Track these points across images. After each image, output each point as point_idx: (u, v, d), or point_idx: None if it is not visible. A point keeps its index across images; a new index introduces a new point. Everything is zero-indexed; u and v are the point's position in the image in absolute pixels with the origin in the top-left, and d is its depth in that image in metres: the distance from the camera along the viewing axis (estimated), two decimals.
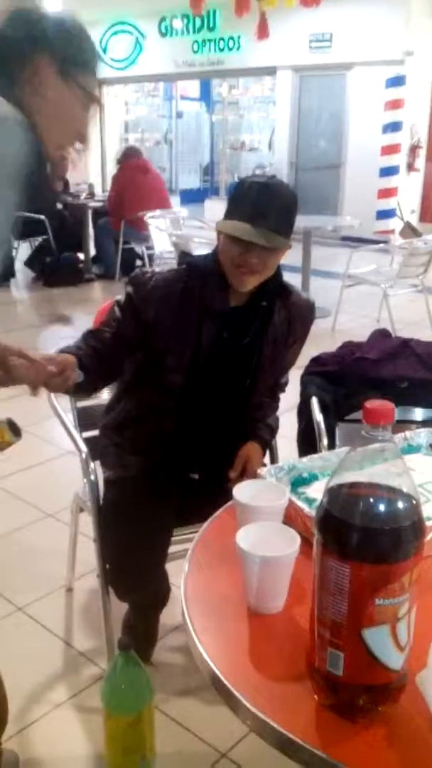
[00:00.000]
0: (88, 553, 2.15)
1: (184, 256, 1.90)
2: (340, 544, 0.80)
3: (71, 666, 2.16)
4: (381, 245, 6.66)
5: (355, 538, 0.79)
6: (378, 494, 0.81)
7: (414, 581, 0.82)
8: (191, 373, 1.78)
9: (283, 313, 1.85)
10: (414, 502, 0.81)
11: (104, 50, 12.97)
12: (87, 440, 2.08)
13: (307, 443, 2.20)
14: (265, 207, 1.65)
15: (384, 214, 9.94)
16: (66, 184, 8.33)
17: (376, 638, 0.81)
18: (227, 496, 1.28)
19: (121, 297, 1.83)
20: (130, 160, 7.27)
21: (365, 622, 0.80)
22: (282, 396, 2.09)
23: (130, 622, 2.02)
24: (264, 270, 1.72)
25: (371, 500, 0.81)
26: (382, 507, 0.80)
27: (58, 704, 2.00)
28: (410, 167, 10.23)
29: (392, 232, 9.72)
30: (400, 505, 0.81)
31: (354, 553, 0.79)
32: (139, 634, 1.99)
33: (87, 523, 2.14)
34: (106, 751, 1.74)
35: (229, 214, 1.69)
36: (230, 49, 11.45)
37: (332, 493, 0.83)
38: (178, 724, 1.91)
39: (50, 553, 2.65)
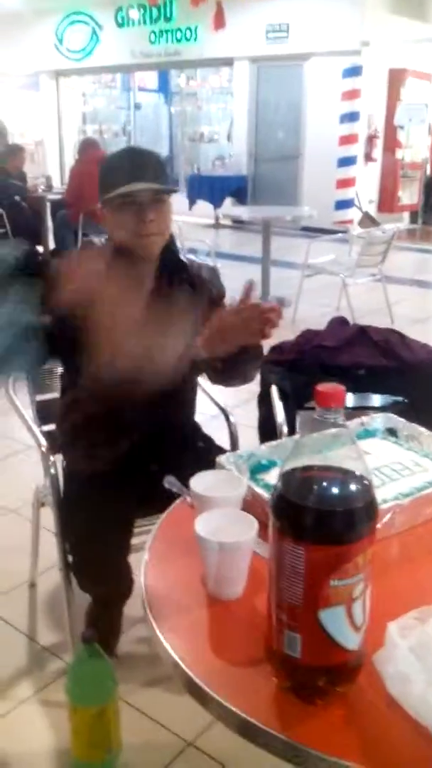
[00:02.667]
0: (51, 548, 2.13)
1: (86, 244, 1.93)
2: (294, 526, 0.80)
3: (36, 661, 2.14)
4: (340, 235, 6.70)
5: (308, 520, 0.79)
6: (331, 476, 0.82)
7: (368, 562, 0.83)
8: None
9: (184, 285, 1.85)
10: (366, 483, 0.82)
11: (60, 41, 12.82)
12: (47, 434, 2.06)
13: (268, 432, 2.21)
14: (139, 164, 1.73)
15: (342, 205, 10.03)
16: (23, 176, 8.23)
17: (332, 619, 0.82)
18: (187, 485, 1.29)
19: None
20: (89, 152, 7.22)
21: (321, 603, 0.81)
22: (242, 387, 2.07)
23: (93, 615, 2.01)
24: (164, 225, 1.75)
25: (324, 483, 0.82)
26: (334, 489, 0.81)
27: (23, 699, 1.98)
28: (368, 157, 10.33)
29: (351, 222, 9.81)
30: (353, 486, 0.82)
31: (308, 534, 0.79)
32: (103, 627, 1.98)
33: (49, 517, 2.13)
34: (72, 744, 1.74)
35: (109, 187, 1.72)
36: (187, 40, 11.40)
37: (286, 476, 0.83)
38: (143, 714, 1.91)
39: (12, 548, 2.63)
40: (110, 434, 1.86)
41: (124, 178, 1.69)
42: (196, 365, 1.78)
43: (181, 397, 1.97)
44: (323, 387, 0.79)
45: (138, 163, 1.74)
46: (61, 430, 2.01)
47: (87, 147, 7.45)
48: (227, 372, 1.81)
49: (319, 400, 0.80)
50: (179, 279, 1.84)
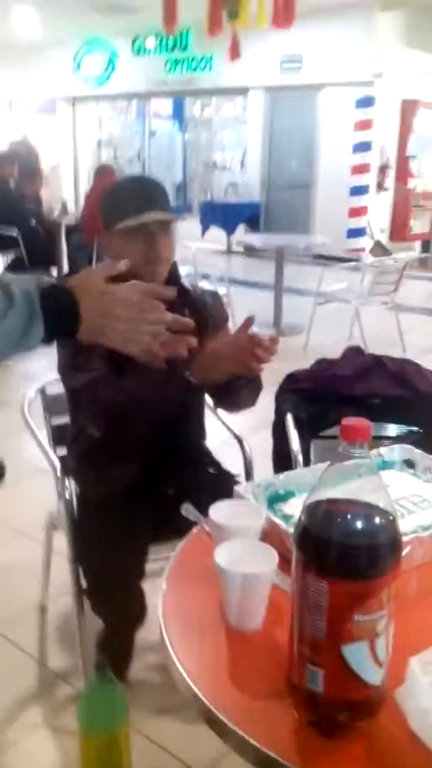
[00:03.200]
0: (63, 572, 2.13)
1: None
2: (319, 560, 0.81)
3: (46, 686, 2.13)
4: (352, 263, 6.73)
5: (332, 554, 0.80)
6: (355, 511, 0.82)
7: (392, 597, 0.83)
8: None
9: (185, 310, 1.87)
10: (391, 518, 0.83)
11: (78, 68, 13.03)
12: (61, 458, 2.07)
13: (282, 460, 2.21)
14: (149, 194, 1.79)
15: (354, 233, 10.08)
16: (39, 200, 8.32)
17: (355, 654, 0.82)
18: (202, 511, 1.29)
19: None
20: (103, 177, 7.33)
21: (344, 638, 0.81)
22: (256, 413, 2.09)
23: (105, 640, 2.01)
24: (171, 252, 1.83)
25: (349, 517, 0.82)
26: (358, 523, 0.82)
27: (33, 725, 1.97)
28: (380, 186, 10.39)
29: (363, 250, 9.86)
30: (377, 521, 0.82)
31: (332, 569, 0.80)
32: (115, 653, 1.97)
33: (61, 541, 2.13)
34: None
35: (117, 216, 1.76)
36: (202, 69, 11.57)
37: (310, 510, 0.84)
38: (154, 744, 1.90)
39: (24, 572, 2.63)
40: (118, 458, 1.87)
41: (135, 208, 1.74)
42: (195, 386, 1.82)
43: (187, 419, 1.99)
44: (349, 421, 0.80)
45: (148, 193, 1.80)
46: (71, 453, 2.02)
47: (102, 172, 7.58)
48: (221, 397, 1.90)
49: (344, 434, 0.80)
50: (181, 303, 1.86)
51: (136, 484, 1.87)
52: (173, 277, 1.87)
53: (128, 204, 1.76)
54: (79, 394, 1.81)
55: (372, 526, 0.81)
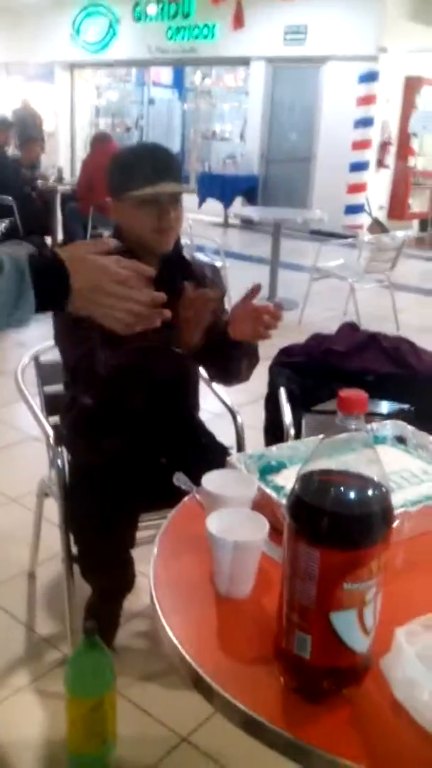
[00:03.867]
0: (52, 538, 2.15)
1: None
2: (311, 529, 0.81)
3: (33, 651, 2.16)
4: (349, 240, 6.71)
5: (325, 523, 0.80)
6: (348, 481, 0.83)
7: (381, 567, 0.84)
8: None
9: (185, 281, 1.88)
10: (384, 489, 0.83)
11: (77, 33, 12.82)
12: (54, 426, 2.07)
13: (275, 433, 2.22)
14: (162, 163, 1.78)
15: (353, 209, 10.04)
16: (35, 167, 8.23)
17: (344, 622, 0.83)
18: (194, 482, 1.30)
19: None
20: (101, 146, 7.23)
21: (333, 606, 0.82)
22: (250, 387, 2.09)
23: (94, 606, 2.02)
24: (180, 222, 1.83)
25: (342, 487, 0.83)
26: (352, 494, 0.82)
27: (20, 688, 2.00)
28: (380, 163, 10.33)
29: (360, 227, 9.82)
30: (370, 492, 0.83)
31: (324, 538, 0.80)
32: (103, 619, 1.99)
33: (51, 508, 2.14)
34: (67, 734, 1.75)
35: (129, 183, 1.75)
36: (205, 38, 11.40)
37: (304, 479, 0.84)
38: (139, 708, 1.93)
39: (13, 538, 2.64)
40: (112, 426, 1.87)
41: (148, 178, 1.73)
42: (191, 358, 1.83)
43: (183, 389, 2.00)
44: (346, 393, 0.80)
45: (162, 163, 1.78)
46: (65, 422, 2.02)
47: (100, 140, 7.47)
48: (218, 369, 1.91)
49: (341, 405, 0.81)
50: (181, 275, 1.86)
51: (128, 453, 1.88)
52: (176, 249, 1.86)
53: (142, 173, 1.75)
54: (75, 365, 1.80)
55: (365, 496, 0.82)
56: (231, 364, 1.86)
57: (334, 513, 0.81)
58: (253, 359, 1.88)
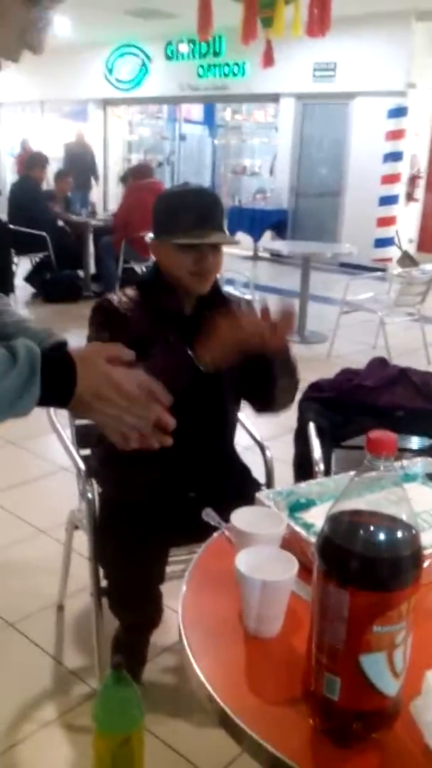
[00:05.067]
0: (81, 570, 2.16)
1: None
2: (340, 570, 0.81)
3: (61, 684, 2.15)
4: (379, 273, 6.72)
5: (355, 565, 0.81)
6: (379, 523, 0.83)
7: (411, 609, 0.83)
8: None
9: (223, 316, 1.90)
10: (414, 531, 0.83)
11: (110, 71, 13.14)
12: (84, 458, 2.09)
13: (304, 468, 2.22)
14: (206, 211, 1.80)
15: (382, 243, 10.05)
16: (68, 200, 8.41)
17: (373, 665, 0.83)
18: (223, 516, 1.31)
19: (90, 332, 1.85)
20: (143, 179, 7.15)
21: (363, 648, 0.82)
22: (279, 421, 2.10)
23: (121, 641, 2.02)
24: (219, 267, 1.85)
25: (372, 528, 0.83)
26: (382, 535, 0.82)
27: (47, 723, 1.99)
28: (409, 197, 10.35)
29: (390, 260, 9.82)
30: (400, 534, 0.83)
31: (354, 579, 0.80)
32: (130, 654, 1.99)
33: (81, 540, 2.15)
34: None
35: (173, 227, 1.78)
36: (235, 75, 11.60)
37: (334, 520, 0.85)
38: (167, 746, 1.91)
39: (43, 569, 2.66)
40: (143, 461, 1.87)
41: (191, 225, 1.76)
42: (235, 393, 1.83)
43: (221, 426, 1.99)
44: (375, 434, 0.81)
45: (206, 211, 1.81)
46: (95, 455, 2.04)
47: (141, 173, 7.40)
48: (261, 397, 1.91)
49: (371, 447, 0.81)
50: (218, 311, 1.88)
51: (159, 487, 1.89)
52: (215, 288, 1.89)
53: (186, 219, 1.77)
54: None
55: (395, 538, 0.82)
56: (267, 385, 1.84)
57: (363, 555, 0.81)
58: (292, 381, 1.88)
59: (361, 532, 0.82)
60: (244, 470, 2.07)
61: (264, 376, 1.81)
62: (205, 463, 1.92)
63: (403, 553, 0.81)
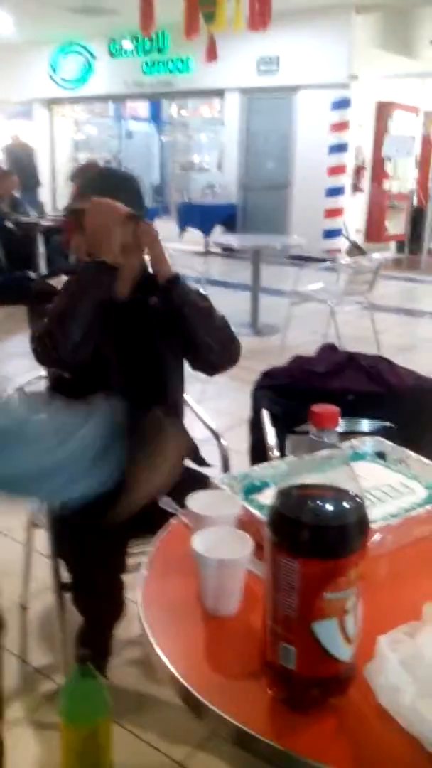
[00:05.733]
0: (42, 570, 2.15)
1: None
2: (290, 541, 0.84)
3: (27, 682, 2.15)
4: (327, 263, 6.80)
5: (304, 535, 0.84)
6: (325, 494, 0.86)
7: (360, 576, 0.87)
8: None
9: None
10: (359, 500, 0.87)
11: (54, 70, 13.00)
12: None
13: (259, 455, 2.25)
14: (112, 189, 1.89)
15: (331, 234, 10.18)
16: (15, 201, 8.31)
17: (326, 631, 0.86)
18: (180, 504, 1.33)
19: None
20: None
21: (315, 615, 0.85)
22: (233, 412, 2.13)
23: (86, 635, 2.03)
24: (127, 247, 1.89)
25: (319, 500, 0.86)
26: (329, 505, 0.86)
27: (15, 721, 1.99)
28: (355, 188, 10.50)
29: (339, 251, 9.95)
30: (346, 504, 0.86)
31: (303, 549, 0.83)
32: (95, 648, 1.99)
33: (41, 540, 2.15)
34: (63, 765, 1.75)
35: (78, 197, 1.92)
36: (180, 71, 11.59)
37: (282, 494, 0.88)
38: (135, 736, 1.93)
39: (4, 571, 2.64)
40: None
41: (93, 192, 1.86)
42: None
43: (160, 379, 2.03)
44: (319, 408, 0.84)
45: (112, 188, 1.88)
46: None
47: (88, 170, 7.46)
48: (194, 354, 1.97)
49: (314, 421, 0.84)
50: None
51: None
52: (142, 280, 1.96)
53: (90, 187, 1.88)
54: (34, 348, 1.85)
55: (341, 507, 0.85)
56: (187, 332, 1.93)
57: (312, 525, 0.84)
58: (211, 326, 1.96)
59: (309, 503, 0.85)
60: (199, 459, 2.09)
61: (180, 322, 1.90)
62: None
63: (349, 520, 0.84)
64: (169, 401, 2.04)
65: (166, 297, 1.92)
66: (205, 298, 2.01)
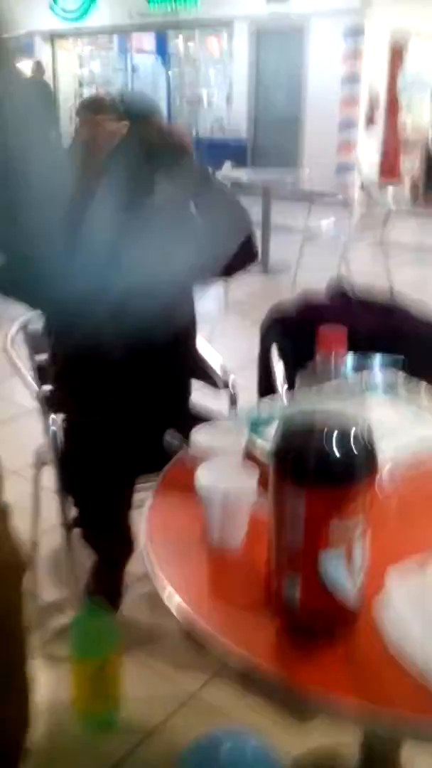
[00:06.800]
0: (52, 508, 2.15)
1: None
2: (295, 469, 0.81)
3: (39, 617, 2.17)
4: (340, 198, 6.64)
5: (309, 462, 0.80)
6: (331, 421, 0.82)
7: (368, 506, 0.83)
8: None
9: None
10: (366, 428, 0.83)
11: (55, 1, 12.58)
12: (46, 393, 2.06)
13: (268, 392, 2.21)
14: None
15: (343, 168, 9.92)
16: None
17: (332, 560, 0.83)
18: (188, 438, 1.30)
19: None
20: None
21: (321, 545, 0.82)
22: (242, 350, 2.06)
23: (98, 574, 2.03)
24: None
25: (324, 427, 0.82)
26: (334, 432, 0.82)
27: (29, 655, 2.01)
28: (369, 121, 10.19)
29: (352, 185, 9.71)
30: (353, 431, 0.82)
31: (308, 477, 0.80)
32: (107, 586, 2.01)
33: (50, 477, 2.14)
34: (73, 696, 1.77)
35: None
36: (186, 1, 11.17)
37: (287, 421, 0.84)
38: (145, 667, 1.94)
39: (14, 509, 2.64)
40: (98, 373, 1.84)
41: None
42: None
43: (176, 339, 1.92)
44: (325, 330, 0.80)
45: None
46: (55, 384, 2.00)
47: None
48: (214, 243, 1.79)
49: (322, 343, 0.80)
50: None
51: (120, 410, 1.85)
52: None
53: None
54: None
55: (347, 435, 0.82)
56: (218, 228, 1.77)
57: (317, 452, 0.80)
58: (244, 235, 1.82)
59: (314, 430, 0.82)
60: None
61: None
62: (163, 387, 1.89)
63: (356, 448, 0.81)
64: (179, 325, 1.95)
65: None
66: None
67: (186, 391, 2.04)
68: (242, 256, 1.85)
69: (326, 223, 5.82)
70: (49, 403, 2.01)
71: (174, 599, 0.99)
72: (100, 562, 2.03)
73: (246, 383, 2.27)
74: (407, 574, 0.94)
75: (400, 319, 2.33)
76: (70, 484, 1.91)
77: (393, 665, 0.86)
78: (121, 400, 1.85)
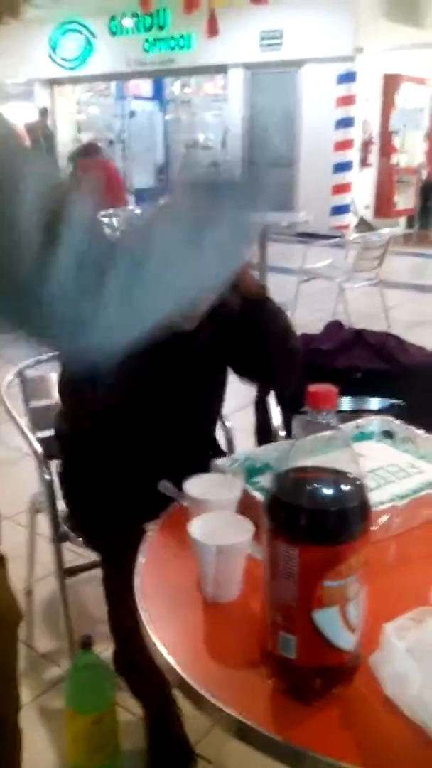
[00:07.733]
0: (47, 555, 2.13)
1: None
2: (287, 526, 0.80)
3: (33, 668, 2.14)
4: (336, 240, 6.72)
5: (302, 520, 0.79)
6: (324, 478, 0.82)
7: (362, 563, 0.82)
8: None
9: None
10: (359, 484, 0.82)
11: (54, 50, 12.86)
12: (41, 440, 2.05)
13: (265, 436, 2.21)
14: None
15: (338, 210, 10.06)
16: None
17: (326, 619, 0.82)
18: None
19: None
20: (91, 158, 7.24)
21: (315, 604, 0.81)
22: (240, 393, 2.01)
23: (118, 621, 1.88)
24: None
25: (317, 483, 0.81)
26: (327, 490, 0.81)
27: (21, 707, 1.97)
28: (363, 162, 10.36)
29: (347, 227, 9.83)
30: (346, 487, 0.81)
31: (301, 535, 0.79)
32: (126, 632, 1.93)
33: (45, 525, 2.12)
34: (69, 751, 1.73)
35: None
36: (181, 48, 11.44)
37: (279, 477, 0.83)
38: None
39: (10, 557, 2.61)
40: (114, 451, 1.75)
41: None
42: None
43: (198, 412, 1.84)
44: (315, 388, 0.79)
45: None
46: (60, 433, 1.93)
47: (86, 152, 7.51)
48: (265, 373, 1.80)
49: (311, 401, 0.80)
50: None
51: (128, 476, 1.74)
52: None
53: None
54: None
55: (340, 492, 0.81)
56: (261, 351, 1.72)
57: (309, 510, 0.79)
58: (284, 336, 1.78)
59: (307, 487, 0.81)
60: (217, 450, 1.96)
61: (254, 341, 1.69)
62: (181, 443, 1.76)
63: (349, 505, 0.80)
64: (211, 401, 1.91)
65: (251, 315, 1.70)
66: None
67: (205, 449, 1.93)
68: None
69: (322, 264, 5.87)
70: (45, 450, 1.99)
71: (164, 656, 0.97)
72: (118, 608, 1.87)
73: (243, 425, 2.27)
74: (404, 629, 0.92)
75: (398, 357, 2.34)
76: (93, 541, 1.85)
77: (392, 723, 0.84)
78: (133, 467, 1.75)
